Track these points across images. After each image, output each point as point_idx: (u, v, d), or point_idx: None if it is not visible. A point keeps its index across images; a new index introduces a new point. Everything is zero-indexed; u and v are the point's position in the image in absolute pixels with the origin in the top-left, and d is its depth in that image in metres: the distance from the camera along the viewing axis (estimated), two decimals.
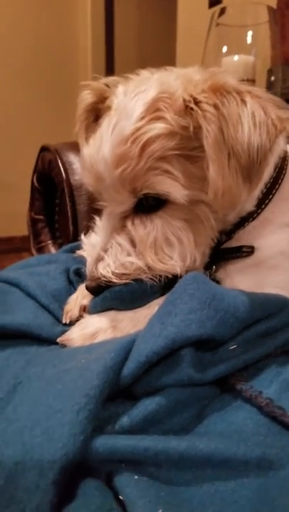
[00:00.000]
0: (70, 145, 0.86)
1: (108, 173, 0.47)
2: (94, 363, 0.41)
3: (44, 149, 0.88)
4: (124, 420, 0.39)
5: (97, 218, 0.55)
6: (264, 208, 0.57)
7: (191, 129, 0.44)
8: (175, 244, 0.50)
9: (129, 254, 0.50)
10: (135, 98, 0.48)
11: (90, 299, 0.58)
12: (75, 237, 0.80)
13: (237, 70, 1.60)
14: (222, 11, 1.63)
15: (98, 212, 0.56)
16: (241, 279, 0.56)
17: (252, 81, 1.59)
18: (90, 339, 0.51)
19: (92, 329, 0.51)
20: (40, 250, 1.01)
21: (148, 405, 0.40)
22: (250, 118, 0.42)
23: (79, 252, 0.57)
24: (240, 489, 0.31)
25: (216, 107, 0.42)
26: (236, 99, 0.43)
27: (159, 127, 0.45)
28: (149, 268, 0.50)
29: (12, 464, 0.35)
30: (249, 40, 1.62)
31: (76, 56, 3.40)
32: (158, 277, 0.50)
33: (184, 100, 0.45)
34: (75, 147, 0.86)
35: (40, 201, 0.99)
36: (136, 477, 0.34)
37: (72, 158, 0.82)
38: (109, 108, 0.52)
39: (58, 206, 0.95)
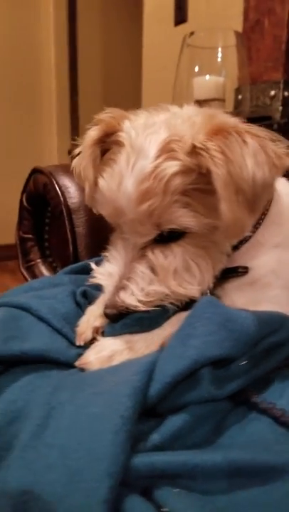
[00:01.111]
0: (62, 168, 0.89)
1: (132, 208, 0.51)
2: (123, 386, 0.45)
3: (36, 171, 0.90)
4: (155, 437, 0.43)
5: (111, 248, 0.58)
6: (255, 231, 0.62)
7: (203, 169, 0.49)
8: (195, 270, 0.54)
9: (152, 282, 0.53)
10: (148, 138, 0.52)
11: (102, 321, 0.61)
12: (75, 258, 0.83)
13: (209, 89, 1.68)
14: (192, 33, 1.71)
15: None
16: (239, 296, 0.61)
17: (222, 100, 1.67)
18: (107, 362, 0.54)
19: (108, 352, 0.55)
20: (30, 269, 1.03)
21: (175, 422, 0.44)
22: (253, 158, 0.47)
23: (93, 280, 0.59)
24: (271, 492, 0.36)
25: (221, 152, 0.47)
26: (238, 140, 0.48)
27: (176, 165, 0.49)
28: (171, 294, 0.54)
29: (59, 487, 0.38)
30: (218, 61, 1.71)
31: (39, 77, 3.38)
32: (179, 302, 0.54)
33: (192, 145, 0.49)
34: (67, 170, 0.89)
35: (29, 221, 1.00)
36: (175, 490, 0.38)
37: (66, 181, 0.85)
38: (117, 143, 0.56)
39: (49, 226, 0.97)
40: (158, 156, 0.50)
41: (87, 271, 0.75)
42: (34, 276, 1.02)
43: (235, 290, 0.61)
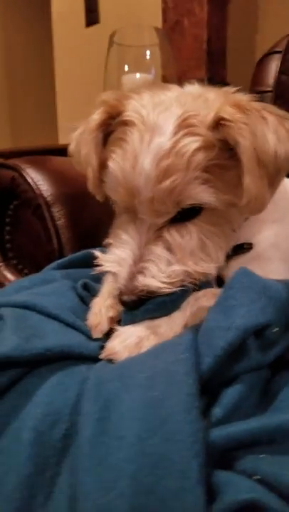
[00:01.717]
0: (27, 161, 0.84)
1: (151, 186, 0.49)
2: (176, 365, 0.43)
3: None
4: (218, 411, 0.42)
5: (119, 232, 0.56)
6: None
7: (229, 143, 0.49)
8: (210, 248, 0.54)
9: (171, 263, 0.52)
10: (161, 116, 0.51)
11: (115, 311, 0.59)
12: (60, 253, 0.78)
13: (139, 87, 1.70)
14: (113, 33, 1.72)
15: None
16: None
17: None
18: (135, 349, 0.52)
19: (135, 339, 0.53)
20: None
21: (233, 394, 0.43)
22: (274, 134, 0.49)
23: (101, 269, 0.57)
24: None
25: (245, 123, 0.48)
26: (257, 116, 0.49)
27: (198, 140, 0.49)
28: (189, 273, 0.53)
29: (144, 477, 0.35)
30: (147, 59, 1.74)
31: None
32: (197, 281, 0.54)
33: (215, 118, 0.49)
34: (32, 163, 0.84)
35: None
36: (261, 456, 0.37)
37: (36, 175, 0.80)
38: (125, 123, 0.54)
39: (12, 225, 0.91)
40: (176, 133, 0.49)
41: (76, 264, 0.72)
42: None
43: (241, 266, 0.63)
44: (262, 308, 0.46)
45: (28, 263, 0.89)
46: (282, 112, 0.53)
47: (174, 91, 0.57)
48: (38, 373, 0.49)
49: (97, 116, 0.55)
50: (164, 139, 0.49)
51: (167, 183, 0.49)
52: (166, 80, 1.86)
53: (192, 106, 0.51)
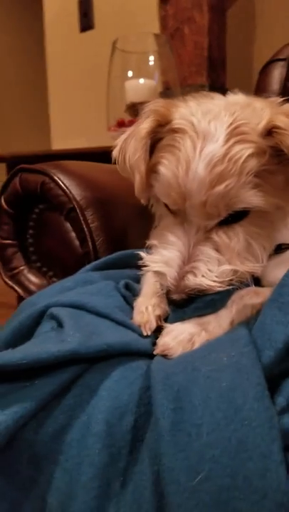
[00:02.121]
0: (53, 166, 0.85)
1: (204, 191, 0.52)
2: (242, 358, 0.46)
3: (24, 170, 0.85)
4: (281, 400, 0.44)
5: (166, 234, 0.58)
6: None
7: (283, 149, 0.52)
8: (255, 248, 0.57)
9: (220, 263, 0.55)
10: (212, 124, 0.53)
11: (162, 309, 0.61)
12: (95, 255, 0.80)
13: (143, 92, 1.74)
14: (116, 40, 1.76)
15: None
16: (282, 271, 0.65)
17: None
18: (188, 345, 0.54)
19: (187, 335, 0.55)
20: (14, 278, 0.96)
21: None
22: None
23: (148, 269, 0.59)
24: None
25: None
26: None
27: (251, 147, 0.52)
28: (237, 273, 0.56)
29: (229, 460, 0.38)
30: (145, 66, 1.78)
31: None
32: (244, 280, 0.56)
33: (268, 126, 0.52)
34: (60, 167, 0.85)
35: (9, 225, 0.94)
36: None
37: (65, 179, 0.82)
38: (174, 131, 0.56)
39: (36, 229, 0.92)
40: (228, 140, 0.52)
41: (111, 266, 0.74)
42: (21, 284, 0.96)
43: (277, 266, 0.65)
44: None
45: (55, 266, 0.91)
46: None
47: (219, 99, 0.60)
48: (99, 369, 0.51)
49: (147, 125, 0.58)
50: (216, 146, 0.52)
51: (221, 187, 0.51)
52: (168, 85, 1.90)
53: (242, 115, 0.54)
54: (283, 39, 1.83)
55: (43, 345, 0.50)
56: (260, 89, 1.53)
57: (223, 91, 1.97)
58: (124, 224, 0.85)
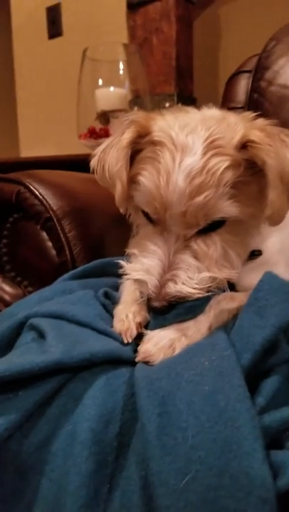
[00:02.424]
0: (28, 175, 0.85)
1: (184, 201, 0.53)
2: (222, 361, 0.48)
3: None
4: (261, 400, 0.46)
5: (146, 243, 0.59)
6: None
7: (257, 162, 0.54)
8: (232, 256, 0.59)
9: (199, 270, 0.56)
10: (189, 137, 0.55)
11: (142, 316, 0.62)
12: (73, 264, 0.80)
13: (113, 100, 1.76)
14: (86, 49, 1.77)
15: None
16: (255, 277, 0.67)
17: (126, 110, 1.77)
18: (169, 350, 0.55)
19: (167, 341, 0.56)
20: None
21: (272, 384, 0.48)
22: None
23: (129, 277, 0.60)
24: None
25: (270, 145, 0.53)
26: (278, 139, 0.55)
27: (227, 159, 0.54)
28: (216, 279, 0.57)
29: (215, 460, 0.39)
30: (115, 74, 1.80)
31: None
32: (221, 286, 0.58)
33: (243, 140, 0.55)
34: (36, 177, 0.85)
35: None
36: None
37: (41, 188, 0.82)
38: (153, 143, 0.58)
39: (10, 238, 0.92)
40: (205, 153, 0.54)
41: (89, 274, 0.75)
42: None
43: (251, 271, 0.68)
44: None
45: (30, 275, 0.90)
46: None
47: (194, 113, 0.62)
48: (82, 378, 0.51)
49: (128, 135, 0.59)
50: (195, 159, 0.54)
51: (200, 198, 0.53)
52: (138, 94, 1.92)
53: (217, 129, 0.56)
54: (247, 50, 1.89)
55: (25, 356, 0.50)
56: (226, 100, 1.57)
57: (191, 100, 2.02)
58: (101, 232, 0.86)
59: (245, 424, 0.41)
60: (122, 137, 0.59)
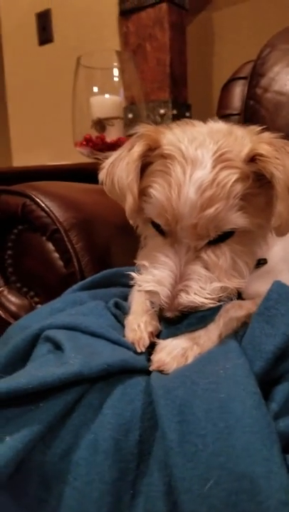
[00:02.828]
0: (32, 187, 0.87)
1: (195, 214, 0.55)
2: (237, 369, 0.50)
3: (3, 192, 0.86)
4: (274, 406, 0.49)
5: (157, 255, 0.61)
6: None
7: (266, 175, 0.56)
8: (240, 265, 0.61)
9: (211, 280, 0.58)
10: (199, 151, 0.57)
11: (153, 326, 0.64)
12: (82, 275, 0.81)
13: (108, 108, 1.78)
14: (80, 56, 1.79)
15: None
16: (260, 285, 0.70)
17: (121, 118, 1.79)
18: (182, 359, 0.57)
19: (180, 350, 0.58)
20: None
21: (284, 390, 0.50)
22: None
23: (140, 289, 0.61)
24: None
25: (278, 158, 0.55)
26: (284, 151, 0.57)
27: (237, 172, 0.56)
28: (226, 289, 0.59)
29: (235, 466, 0.41)
30: (109, 82, 1.82)
31: None
32: (231, 296, 0.60)
33: (251, 153, 0.57)
34: (40, 189, 0.87)
35: None
36: None
37: (47, 200, 0.83)
38: (163, 156, 0.60)
39: (15, 249, 0.93)
40: (214, 166, 0.56)
41: (97, 285, 0.76)
42: (1, 305, 0.96)
43: (257, 279, 0.70)
44: None
45: (36, 286, 0.92)
46: None
47: (201, 127, 0.64)
48: (100, 388, 0.53)
49: (139, 148, 0.60)
50: (205, 172, 0.56)
51: (211, 210, 0.55)
52: (132, 101, 1.94)
53: (225, 142, 0.58)
54: (241, 56, 1.93)
55: (46, 369, 0.52)
56: (222, 107, 1.60)
57: (186, 106, 2.04)
58: (106, 243, 0.88)
59: (262, 430, 0.43)
60: (132, 150, 0.61)
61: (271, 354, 0.51)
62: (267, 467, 0.41)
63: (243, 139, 0.59)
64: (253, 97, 1.44)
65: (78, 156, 1.83)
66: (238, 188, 0.56)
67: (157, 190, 0.58)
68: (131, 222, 0.65)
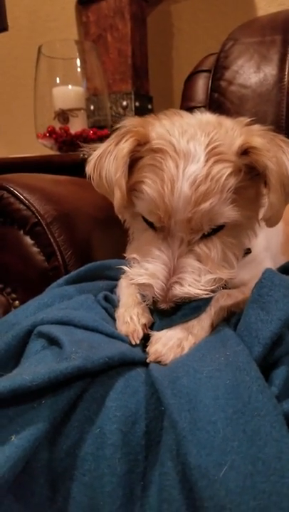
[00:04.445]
0: (9, 179, 0.84)
1: (190, 208, 0.55)
2: (238, 356, 0.51)
3: None
4: (274, 390, 0.50)
5: (150, 248, 0.61)
6: None
7: (258, 167, 0.57)
8: (230, 257, 0.62)
9: (204, 272, 0.59)
10: (191, 143, 0.57)
11: (146, 317, 0.64)
12: (66, 269, 0.79)
13: (71, 99, 1.75)
14: (41, 46, 1.74)
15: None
16: (245, 273, 0.72)
17: (84, 109, 1.77)
18: (178, 350, 0.58)
19: (176, 341, 0.59)
20: None
21: (282, 374, 0.52)
22: (288, 159, 0.59)
23: (134, 282, 0.61)
24: None
25: (270, 151, 0.57)
26: (275, 144, 0.59)
27: (230, 166, 0.56)
28: (218, 280, 0.60)
29: (247, 448, 0.42)
30: (71, 72, 1.79)
31: None
32: (221, 286, 0.61)
33: (244, 146, 0.57)
34: (18, 181, 0.84)
35: None
36: None
37: (26, 193, 0.80)
38: (154, 150, 0.59)
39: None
40: (208, 160, 0.56)
41: (83, 279, 0.75)
42: None
43: (241, 269, 0.72)
44: None
45: (13, 282, 0.89)
46: (287, 140, 0.62)
47: (190, 118, 0.64)
48: (101, 382, 0.53)
49: (128, 144, 0.60)
50: (199, 166, 0.56)
51: (206, 205, 0.56)
52: (95, 92, 1.92)
53: (216, 135, 0.58)
54: (200, 49, 1.95)
55: (48, 365, 0.50)
56: (186, 99, 1.61)
57: (148, 99, 2.03)
58: (88, 236, 0.86)
59: (269, 413, 0.44)
60: (121, 146, 0.60)
61: (268, 340, 0.52)
62: (278, 448, 0.42)
63: (233, 131, 0.60)
64: (218, 89, 1.46)
65: (40, 148, 1.78)
66: (232, 181, 0.57)
67: (149, 186, 0.58)
68: (120, 217, 0.64)
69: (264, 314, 0.55)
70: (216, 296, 0.64)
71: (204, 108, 1.54)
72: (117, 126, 0.63)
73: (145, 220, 0.62)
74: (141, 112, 1.93)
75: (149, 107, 2.03)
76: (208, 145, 0.57)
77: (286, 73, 1.36)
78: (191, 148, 0.57)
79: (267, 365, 0.54)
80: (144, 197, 0.58)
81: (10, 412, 0.48)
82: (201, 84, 1.58)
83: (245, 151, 0.58)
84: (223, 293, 0.65)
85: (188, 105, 1.59)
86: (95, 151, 0.67)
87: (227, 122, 0.63)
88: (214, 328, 0.62)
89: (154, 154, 0.59)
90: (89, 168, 0.66)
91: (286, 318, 0.53)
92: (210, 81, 1.53)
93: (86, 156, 0.66)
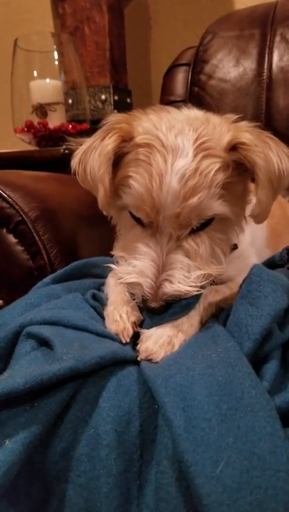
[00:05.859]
0: None
1: (178, 203, 0.55)
2: (229, 353, 0.51)
3: None
4: (266, 384, 0.51)
5: (138, 245, 0.60)
6: None
7: (246, 163, 0.57)
8: (218, 252, 0.62)
9: (193, 268, 0.59)
10: (179, 138, 0.57)
11: (136, 315, 0.64)
12: (52, 268, 0.78)
13: (49, 93, 1.72)
14: (17, 39, 1.71)
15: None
16: (231, 268, 0.73)
17: (62, 103, 1.74)
18: (169, 347, 0.58)
19: (166, 338, 0.59)
20: None
21: (272, 368, 0.53)
22: (277, 156, 0.59)
23: (122, 281, 0.61)
24: None
25: (258, 146, 0.57)
26: (262, 140, 0.59)
27: (219, 161, 0.56)
28: (207, 276, 0.60)
29: (242, 444, 0.43)
30: (49, 65, 1.76)
31: None
32: (209, 282, 0.62)
33: (232, 142, 0.57)
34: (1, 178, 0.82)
35: None
36: None
37: (9, 191, 0.78)
38: (140, 145, 0.59)
39: None
40: (196, 155, 0.56)
41: (70, 277, 0.74)
42: None
43: (228, 264, 0.72)
44: (282, 296, 0.56)
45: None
46: (274, 137, 0.63)
47: (177, 113, 0.64)
48: (93, 382, 0.52)
49: (112, 141, 0.59)
50: (187, 161, 0.56)
51: (194, 200, 0.56)
52: (73, 85, 1.89)
53: (204, 130, 0.58)
54: (177, 42, 1.94)
55: (40, 367, 0.50)
56: (166, 93, 1.61)
57: (126, 92, 2.01)
58: (73, 233, 0.85)
59: (263, 408, 0.45)
60: (105, 142, 0.59)
61: (258, 335, 0.53)
62: (272, 442, 0.43)
63: (221, 127, 0.60)
64: (198, 83, 1.46)
65: (18, 143, 1.75)
66: (220, 177, 0.57)
67: (137, 181, 0.57)
68: (104, 213, 0.64)
69: (253, 310, 0.55)
70: (204, 293, 0.64)
71: (184, 102, 1.54)
72: (103, 122, 0.62)
73: (132, 216, 0.62)
74: (120, 106, 1.91)
75: (128, 100, 2.01)
76: (196, 140, 0.57)
77: (265, 67, 1.37)
78: (179, 142, 0.57)
79: (257, 360, 0.54)
80: (132, 192, 0.58)
81: (2, 415, 0.47)
82: (181, 78, 1.58)
83: (233, 147, 0.58)
84: (211, 289, 0.65)
85: (168, 99, 1.58)
86: (80, 145, 0.66)
87: (215, 118, 0.63)
88: (203, 324, 0.62)
89: (141, 149, 0.58)
90: (74, 163, 0.65)
91: (275, 313, 0.54)
92: (189, 75, 1.53)
93: (67, 152, 0.65)
